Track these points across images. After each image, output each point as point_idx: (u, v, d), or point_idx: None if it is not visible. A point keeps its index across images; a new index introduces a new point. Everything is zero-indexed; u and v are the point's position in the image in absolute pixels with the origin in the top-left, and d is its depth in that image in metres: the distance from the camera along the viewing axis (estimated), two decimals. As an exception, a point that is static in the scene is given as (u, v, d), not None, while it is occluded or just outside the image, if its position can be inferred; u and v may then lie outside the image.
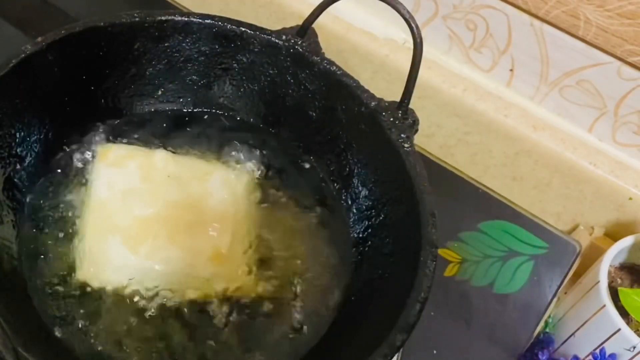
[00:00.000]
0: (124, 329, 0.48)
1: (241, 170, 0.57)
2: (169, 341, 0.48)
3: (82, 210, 0.52)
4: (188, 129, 0.60)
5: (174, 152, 0.56)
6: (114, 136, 0.57)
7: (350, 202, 0.57)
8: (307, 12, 0.55)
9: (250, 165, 0.58)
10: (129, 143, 0.57)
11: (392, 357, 0.42)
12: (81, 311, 0.48)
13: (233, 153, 0.58)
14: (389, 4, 0.50)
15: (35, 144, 0.53)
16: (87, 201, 0.52)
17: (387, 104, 0.53)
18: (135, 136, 0.58)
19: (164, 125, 0.59)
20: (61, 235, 0.51)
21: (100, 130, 0.57)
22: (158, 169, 0.54)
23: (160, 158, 0.54)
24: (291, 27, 0.57)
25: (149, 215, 0.51)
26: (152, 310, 0.49)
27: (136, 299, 0.49)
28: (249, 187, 0.56)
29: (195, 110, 0.61)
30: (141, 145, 0.57)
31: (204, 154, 0.58)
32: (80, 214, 0.52)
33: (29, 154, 0.53)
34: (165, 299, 0.49)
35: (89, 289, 0.49)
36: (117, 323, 0.48)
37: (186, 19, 0.56)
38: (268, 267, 0.53)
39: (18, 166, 0.52)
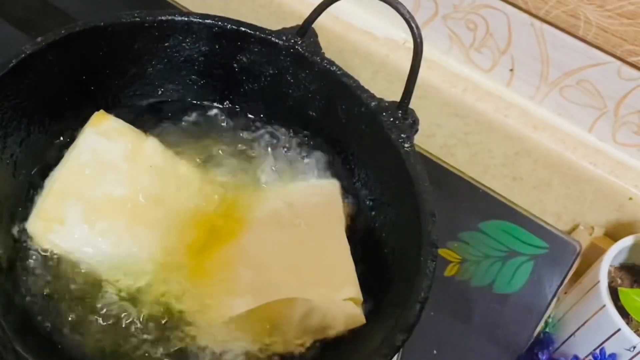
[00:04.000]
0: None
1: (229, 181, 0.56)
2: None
3: (58, 165, 0.51)
4: (184, 124, 0.60)
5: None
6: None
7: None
8: (307, 12, 0.55)
9: (244, 177, 0.57)
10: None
11: (392, 357, 0.42)
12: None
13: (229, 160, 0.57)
14: (389, 4, 0.50)
15: (35, 144, 0.53)
16: (66, 158, 0.51)
17: (387, 104, 0.53)
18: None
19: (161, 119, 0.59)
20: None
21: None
22: (145, 155, 0.53)
23: (150, 145, 0.53)
24: (291, 27, 0.57)
25: (119, 195, 0.50)
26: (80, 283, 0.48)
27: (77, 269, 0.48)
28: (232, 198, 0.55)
29: (195, 109, 0.61)
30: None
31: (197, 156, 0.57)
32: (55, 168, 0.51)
33: (29, 154, 0.53)
34: (102, 282, 0.48)
35: (30, 241, 0.49)
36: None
37: (186, 19, 0.56)
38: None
39: (15, 168, 0.52)
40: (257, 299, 0.48)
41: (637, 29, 0.59)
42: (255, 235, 0.52)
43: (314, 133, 0.59)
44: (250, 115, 0.61)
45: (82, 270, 0.48)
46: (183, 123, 0.59)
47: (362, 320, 0.49)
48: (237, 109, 0.61)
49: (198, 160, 0.56)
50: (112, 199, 0.50)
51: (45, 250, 0.49)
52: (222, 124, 0.60)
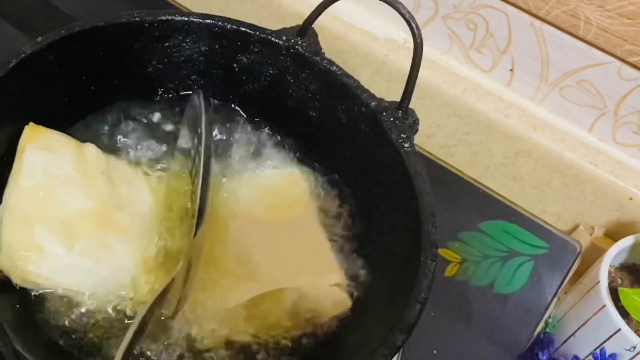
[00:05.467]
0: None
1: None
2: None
3: (7, 189, 0.48)
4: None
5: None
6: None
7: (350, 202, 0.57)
8: (307, 12, 0.55)
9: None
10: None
11: (392, 357, 0.42)
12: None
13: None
14: (389, 4, 0.50)
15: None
16: (15, 180, 0.48)
17: (387, 104, 0.53)
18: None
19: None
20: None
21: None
22: (90, 162, 0.51)
23: (90, 152, 0.51)
24: (291, 27, 0.57)
25: (84, 209, 0.48)
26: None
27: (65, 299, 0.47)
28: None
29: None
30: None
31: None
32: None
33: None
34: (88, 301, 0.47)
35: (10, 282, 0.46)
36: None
37: (186, 19, 0.56)
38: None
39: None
40: (246, 292, 0.49)
41: (637, 29, 0.59)
42: (234, 228, 0.53)
43: (310, 134, 0.59)
44: (249, 115, 0.61)
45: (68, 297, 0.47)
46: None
47: (348, 303, 0.51)
48: (237, 109, 0.61)
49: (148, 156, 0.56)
50: (78, 214, 0.48)
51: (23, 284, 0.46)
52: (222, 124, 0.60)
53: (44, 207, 0.47)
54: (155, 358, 0.47)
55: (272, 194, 0.56)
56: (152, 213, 0.51)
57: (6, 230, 0.46)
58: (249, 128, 0.60)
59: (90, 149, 0.52)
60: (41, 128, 0.51)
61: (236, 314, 0.49)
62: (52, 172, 0.48)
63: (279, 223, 0.54)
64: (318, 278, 0.51)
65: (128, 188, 0.52)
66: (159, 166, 0.55)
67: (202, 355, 0.48)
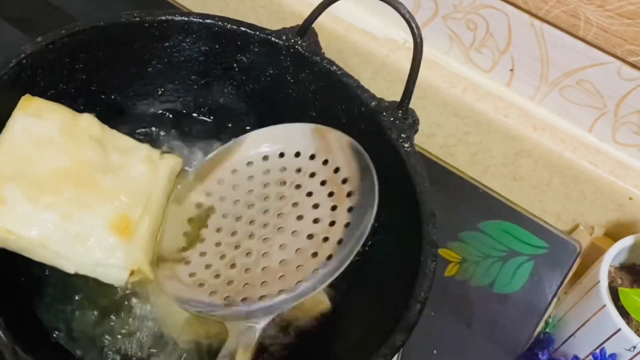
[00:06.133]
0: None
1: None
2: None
3: None
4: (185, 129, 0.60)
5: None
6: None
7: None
8: (307, 12, 0.55)
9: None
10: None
11: (392, 357, 0.42)
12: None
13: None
14: (389, 4, 0.50)
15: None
16: None
17: (387, 104, 0.53)
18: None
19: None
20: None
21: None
22: (81, 127, 0.51)
23: (86, 119, 0.51)
24: (291, 27, 0.56)
25: (59, 167, 0.48)
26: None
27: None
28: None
29: (194, 110, 0.61)
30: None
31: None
32: None
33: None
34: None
35: None
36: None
37: (186, 19, 0.56)
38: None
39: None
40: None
41: (637, 29, 0.59)
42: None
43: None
44: (250, 116, 0.61)
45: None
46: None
47: (328, 306, 0.52)
48: (237, 109, 0.61)
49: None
50: (53, 172, 0.48)
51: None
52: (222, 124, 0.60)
53: (18, 165, 0.48)
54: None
55: None
56: (145, 184, 0.51)
57: None
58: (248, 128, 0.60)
59: (85, 116, 0.52)
60: (35, 98, 0.51)
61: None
62: (34, 135, 0.49)
63: None
64: None
65: (121, 156, 0.51)
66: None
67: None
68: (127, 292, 0.51)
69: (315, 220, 0.48)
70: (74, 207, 0.47)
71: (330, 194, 0.49)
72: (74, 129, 0.50)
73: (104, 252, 0.47)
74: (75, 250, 0.47)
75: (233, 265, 0.49)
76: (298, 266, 0.47)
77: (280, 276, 0.47)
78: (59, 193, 0.47)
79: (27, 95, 0.51)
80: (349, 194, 0.49)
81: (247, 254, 0.49)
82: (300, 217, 0.49)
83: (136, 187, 0.50)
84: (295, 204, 0.50)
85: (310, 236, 0.48)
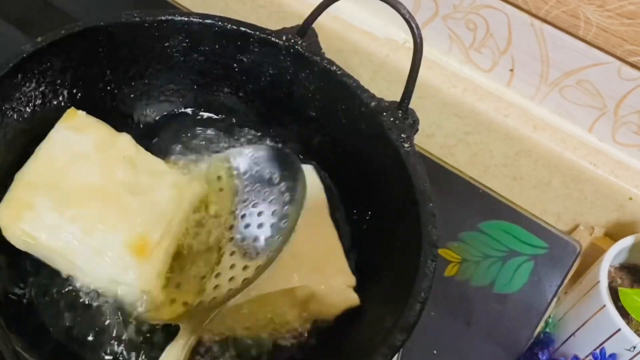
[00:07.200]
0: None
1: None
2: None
3: (29, 159, 0.51)
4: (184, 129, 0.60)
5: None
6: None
7: (350, 203, 0.57)
8: (307, 12, 0.55)
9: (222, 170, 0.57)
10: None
11: (392, 357, 0.42)
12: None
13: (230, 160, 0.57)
14: (389, 4, 0.50)
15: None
16: (37, 151, 0.51)
17: (387, 104, 0.53)
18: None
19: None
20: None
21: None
22: (117, 147, 0.53)
23: (124, 139, 0.53)
24: (291, 27, 0.57)
25: (89, 183, 0.50)
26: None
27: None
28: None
29: (194, 110, 0.61)
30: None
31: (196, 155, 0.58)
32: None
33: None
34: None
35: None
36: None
37: (186, 19, 0.56)
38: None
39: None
40: (259, 289, 0.49)
41: (637, 29, 0.59)
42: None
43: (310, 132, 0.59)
44: (250, 116, 0.61)
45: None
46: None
47: (357, 302, 0.51)
48: (237, 109, 0.61)
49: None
50: (83, 187, 0.50)
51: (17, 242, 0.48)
52: (222, 125, 0.60)
53: (52, 175, 0.50)
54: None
55: None
56: (169, 209, 0.51)
57: (11, 189, 0.49)
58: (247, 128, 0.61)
59: (123, 136, 0.53)
60: (79, 112, 0.53)
61: (241, 310, 0.50)
62: (71, 148, 0.51)
63: None
64: (328, 278, 0.51)
65: (150, 178, 0.52)
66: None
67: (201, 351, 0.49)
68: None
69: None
70: (97, 222, 0.49)
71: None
72: (109, 147, 0.52)
73: (118, 269, 0.48)
74: (91, 263, 0.48)
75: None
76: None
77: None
78: (85, 207, 0.49)
79: (72, 109, 0.53)
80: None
81: None
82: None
83: (159, 211, 0.51)
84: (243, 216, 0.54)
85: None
